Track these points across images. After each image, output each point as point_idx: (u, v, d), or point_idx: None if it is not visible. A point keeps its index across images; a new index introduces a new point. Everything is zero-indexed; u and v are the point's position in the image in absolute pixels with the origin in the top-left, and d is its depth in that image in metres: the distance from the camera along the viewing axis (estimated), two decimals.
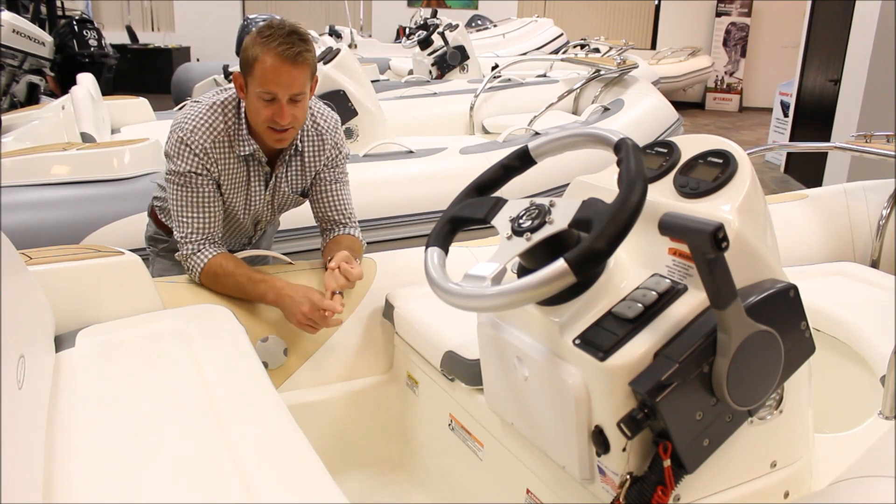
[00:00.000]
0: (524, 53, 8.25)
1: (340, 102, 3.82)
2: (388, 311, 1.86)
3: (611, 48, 6.63)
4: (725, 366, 1.01)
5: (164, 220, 2.06)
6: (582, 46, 6.96)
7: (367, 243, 2.12)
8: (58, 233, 2.53)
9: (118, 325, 1.53)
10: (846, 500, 0.98)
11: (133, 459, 1.05)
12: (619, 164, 1.07)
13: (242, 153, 1.81)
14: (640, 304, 1.06)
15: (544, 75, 5.82)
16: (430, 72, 5.94)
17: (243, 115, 1.80)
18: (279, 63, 1.66)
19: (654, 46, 11.91)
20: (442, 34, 5.88)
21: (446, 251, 1.22)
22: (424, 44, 5.96)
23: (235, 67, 1.86)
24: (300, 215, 2.23)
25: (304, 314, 1.70)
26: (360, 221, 2.04)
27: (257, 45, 1.68)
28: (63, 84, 6.01)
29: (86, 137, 3.37)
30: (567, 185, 1.39)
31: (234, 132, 1.80)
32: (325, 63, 3.88)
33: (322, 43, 5.21)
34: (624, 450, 1.05)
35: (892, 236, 2.44)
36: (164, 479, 1.01)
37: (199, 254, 1.79)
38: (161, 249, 2.13)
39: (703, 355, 1.01)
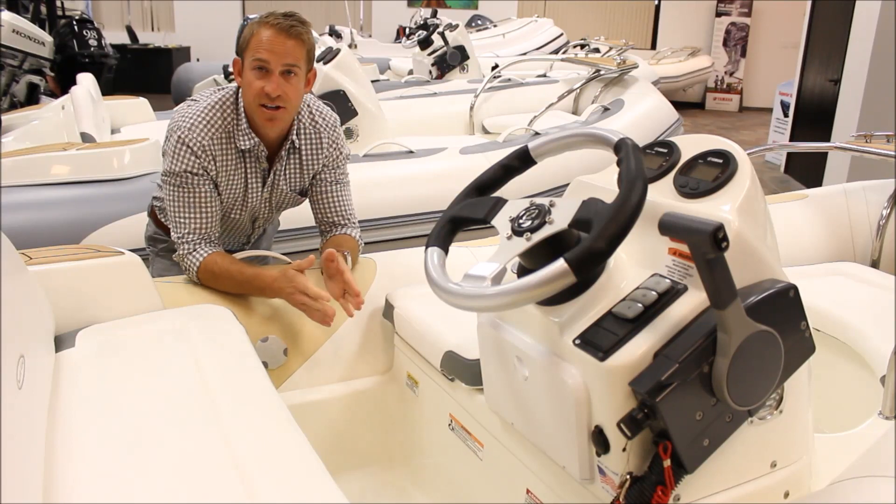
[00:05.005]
0: (524, 53, 8.25)
1: (340, 102, 3.81)
2: (388, 311, 1.86)
3: (611, 48, 6.63)
4: (725, 366, 1.01)
5: (163, 219, 2.06)
6: (582, 46, 6.95)
7: (367, 243, 2.12)
8: (58, 233, 2.53)
9: (118, 325, 1.53)
10: (846, 500, 0.98)
11: (133, 459, 1.05)
12: (619, 164, 1.07)
13: (243, 147, 1.81)
14: (640, 304, 1.06)
15: (544, 75, 5.82)
16: (430, 72, 5.94)
17: (242, 109, 1.81)
18: (274, 33, 1.71)
19: (654, 46, 11.91)
20: (442, 34, 5.88)
21: (446, 251, 1.23)
22: (424, 44, 5.96)
23: None
24: (300, 215, 2.23)
25: (301, 300, 1.71)
26: (360, 221, 2.04)
27: (255, 24, 1.75)
28: (63, 84, 6.01)
29: (86, 137, 3.37)
30: (567, 185, 1.39)
31: (233, 127, 1.81)
32: (325, 63, 3.88)
33: (322, 43, 5.21)
34: (624, 450, 1.05)
35: (892, 236, 2.44)
36: (164, 479, 1.01)
37: (194, 253, 1.79)
38: (161, 249, 2.13)
39: (702, 355, 1.01)
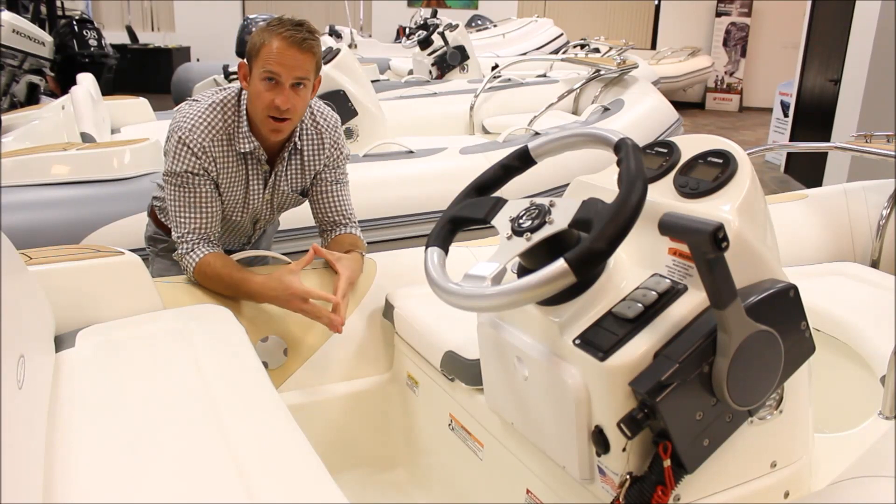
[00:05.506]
0: (524, 53, 8.26)
1: (340, 102, 3.82)
2: (388, 311, 1.86)
3: (611, 48, 6.62)
4: (725, 366, 1.01)
5: (163, 219, 2.06)
6: (582, 46, 6.95)
7: (368, 243, 2.12)
8: (58, 233, 2.53)
9: (118, 325, 1.53)
10: (846, 500, 0.98)
11: (133, 459, 1.05)
12: (619, 164, 1.07)
13: (242, 150, 1.81)
14: (640, 304, 1.06)
15: (544, 75, 5.82)
16: (430, 72, 5.94)
17: (244, 112, 1.81)
18: (286, 46, 1.69)
19: (654, 46, 11.91)
20: (442, 34, 5.88)
21: (446, 251, 1.23)
22: (424, 44, 5.96)
23: (235, 67, 1.87)
24: (300, 215, 2.23)
25: (300, 308, 1.70)
26: (360, 221, 2.04)
27: (265, 32, 1.72)
28: (63, 84, 6.01)
29: (86, 137, 3.37)
30: (567, 185, 1.39)
31: (234, 129, 1.80)
32: (325, 63, 3.88)
33: (322, 43, 5.22)
34: (624, 450, 1.05)
35: (892, 236, 2.44)
36: (164, 479, 1.01)
37: (192, 253, 1.79)
38: (160, 249, 2.13)
39: (703, 355, 1.01)
